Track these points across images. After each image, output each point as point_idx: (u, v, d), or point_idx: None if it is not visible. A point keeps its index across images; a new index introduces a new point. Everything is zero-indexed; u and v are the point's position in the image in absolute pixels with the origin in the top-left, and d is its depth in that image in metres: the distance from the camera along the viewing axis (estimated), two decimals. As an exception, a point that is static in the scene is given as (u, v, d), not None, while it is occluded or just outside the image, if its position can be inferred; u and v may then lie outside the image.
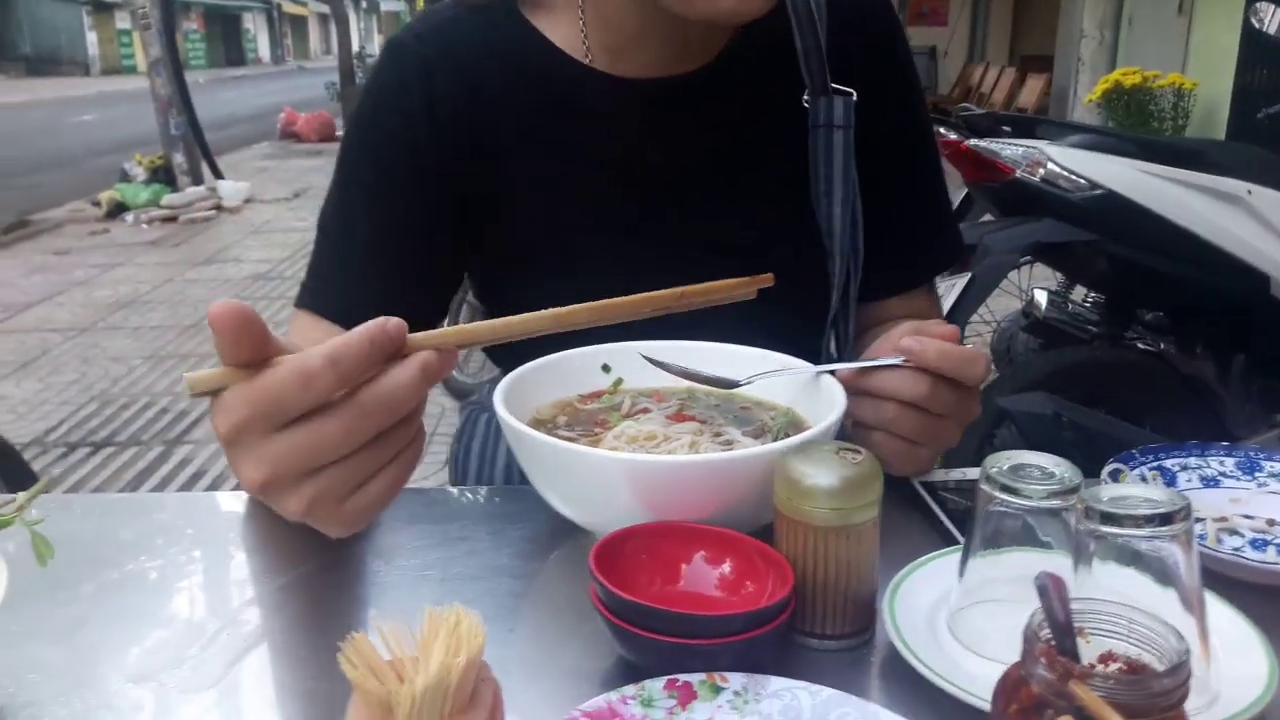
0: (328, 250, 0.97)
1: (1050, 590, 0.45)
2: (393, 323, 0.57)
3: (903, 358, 0.77)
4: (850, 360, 1.10)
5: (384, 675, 0.52)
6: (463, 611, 0.56)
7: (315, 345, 0.93)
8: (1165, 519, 0.58)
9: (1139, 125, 5.97)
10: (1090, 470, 0.86)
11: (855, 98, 0.98)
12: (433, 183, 0.97)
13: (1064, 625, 0.45)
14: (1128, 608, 0.48)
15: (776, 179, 1.00)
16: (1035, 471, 0.64)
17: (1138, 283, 2.51)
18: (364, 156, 0.98)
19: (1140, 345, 2.71)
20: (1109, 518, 0.58)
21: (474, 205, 0.99)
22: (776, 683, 0.59)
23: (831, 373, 0.82)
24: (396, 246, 0.96)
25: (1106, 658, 0.47)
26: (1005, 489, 0.63)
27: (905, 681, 0.62)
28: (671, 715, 0.57)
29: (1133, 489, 0.61)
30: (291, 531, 0.71)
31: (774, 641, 0.62)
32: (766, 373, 0.85)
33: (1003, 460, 0.65)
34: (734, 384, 0.86)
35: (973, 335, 3.65)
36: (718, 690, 0.58)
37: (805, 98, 0.98)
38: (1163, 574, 0.59)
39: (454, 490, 0.93)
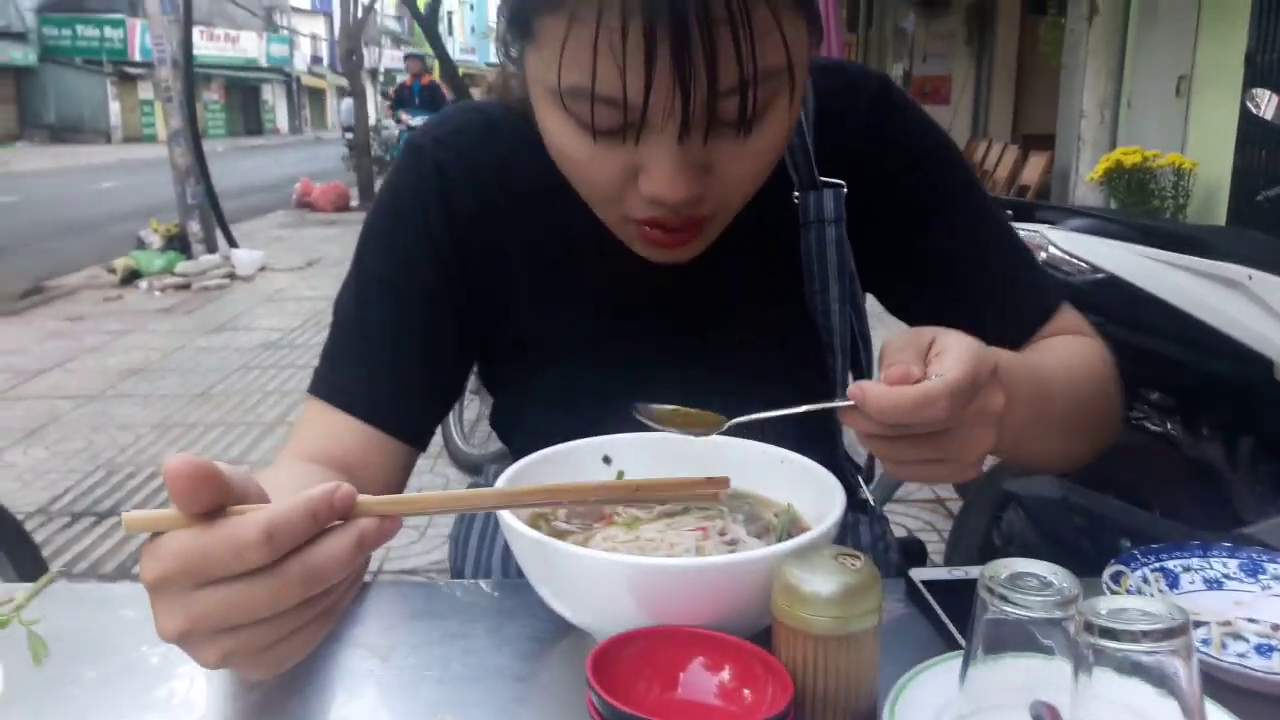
0: (342, 340, 0.99)
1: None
2: (341, 492, 0.57)
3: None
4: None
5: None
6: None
7: (317, 443, 0.93)
8: (1164, 634, 0.57)
9: (1140, 204, 6.01)
10: (1098, 558, 0.86)
11: (845, 189, 0.97)
12: (445, 281, 0.99)
13: (1060, 753, 0.45)
14: (1125, 731, 0.48)
15: (772, 274, 1.00)
16: (1033, 581, 0.64)
17: (1141, 365, 2.50)
18: (381, 251, 1.00)
19: (1148, 426, 2.70)
20: (1107, 632, 0.58)
21: (481, 305, 1.01)
22: (773, 797, 0.58)
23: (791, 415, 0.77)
24: (409, 340, 0.98)
25: (1104, 784, 0.47)
26: (1003, 599, 0.63)
27: (904, 796, 0.61)
28: (667, 830, 0.56)
29: (1131, 601, 0.61)
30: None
31: (772, 752, 0.62)
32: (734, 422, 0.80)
33: (1001, 569, 0.65)
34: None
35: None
36: (714, 805, 0.57)
37: (795, 194, 0.98)
38: (1163, 684, 0.59)
39: (452, 584, 0.93)
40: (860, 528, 1.09)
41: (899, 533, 1.19)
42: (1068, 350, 0.98)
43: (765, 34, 0.71)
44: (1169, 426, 2.67)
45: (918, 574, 0.88)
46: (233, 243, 9.29)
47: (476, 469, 3.76)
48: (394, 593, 0.92)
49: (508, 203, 0.99)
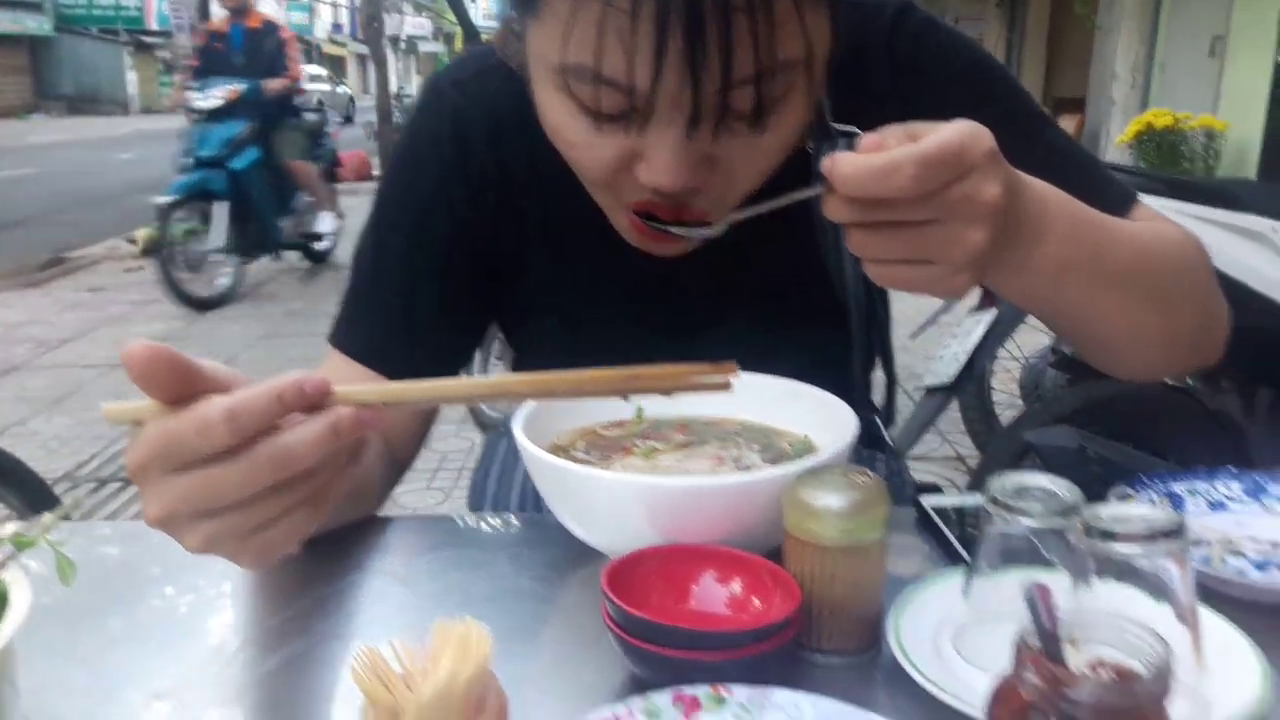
0: (359, 289, 0.98)
1: (1038, 600, 0.47)
2: (313, 381, 0.57)
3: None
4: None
5: (394, 686, 0.55)
6: (471, 623, 0.58)
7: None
8: (1161, 535, 0.59)
9: (1170, 166, 5.96)
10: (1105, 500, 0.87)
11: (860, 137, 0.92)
12: (462, 231, 0.97)
13: (1051, 634, 0.47)
14: (1118, 617, 0.50)
15: (786, 228, 0.94)
16: (1038, 492, 0.66)
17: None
18: (397, 199, 0.98)
19: (1167, 379, 2.70)
20: (1107, 534, 0.60)
21: (499, 263, 0.99)
22: (780, 695, 0.60)
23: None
24: (424, 292, 0.97)
25: (1096, 664, 0.49)
26: (1008, 509, 0.65)
27: (908, 694, 0.63)
28: (678, 726, 0.59)
29: (1131, 509, 0.63)
30: (311, 555, 0.72)
31: (780, 656, 0.64)
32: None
33: (1007, 481, 0.67)
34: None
35: (1000, 371, 3.66)
36: (722, 702, 0.60)
37: (809, 144, 0.91)
38: (1159, 589, 0.61)
39: (475, 518, 0.95)
40: (876, 464, 1.10)
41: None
42: (1142, 223, 0.88)
43: (785, 23, 0.67)
44: (1188, 379, 2.67)
45: (928, 500, 0.90)
46: (253, 213, 9.30)
47: (498, 430, 3.79)
48: (417, 526, 0.95)
49: (527, 158, 0.94)
